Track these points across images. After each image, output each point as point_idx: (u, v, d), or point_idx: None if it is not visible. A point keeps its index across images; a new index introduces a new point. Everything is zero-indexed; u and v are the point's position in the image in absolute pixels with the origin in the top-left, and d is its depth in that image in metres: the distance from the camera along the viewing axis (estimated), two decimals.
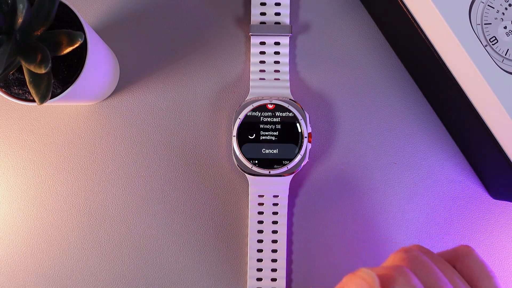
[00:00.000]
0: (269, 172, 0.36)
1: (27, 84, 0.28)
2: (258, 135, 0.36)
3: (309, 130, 0.36)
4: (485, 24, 0.31)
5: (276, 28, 0.38)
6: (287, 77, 0.38)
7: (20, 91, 0.31)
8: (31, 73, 0.28)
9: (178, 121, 0.39)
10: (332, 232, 0.39)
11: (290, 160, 0.36)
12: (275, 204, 0.38)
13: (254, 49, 0.38)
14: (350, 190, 0.39)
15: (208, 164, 0.39)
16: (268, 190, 0.37)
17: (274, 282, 0.38)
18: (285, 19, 0.38)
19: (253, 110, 0.36)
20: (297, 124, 0.36)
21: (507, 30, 0.31)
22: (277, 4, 0.38)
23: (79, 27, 0.30)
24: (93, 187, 0.39)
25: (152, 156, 0.39)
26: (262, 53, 0.38)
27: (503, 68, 0.31)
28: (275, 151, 0.36)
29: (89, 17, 0.39)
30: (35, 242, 0.38)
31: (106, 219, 0.39)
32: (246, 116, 0.36)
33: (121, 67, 0.39)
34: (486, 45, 0.31)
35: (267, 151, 0.36)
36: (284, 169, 0.36)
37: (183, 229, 0.39)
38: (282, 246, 0.38)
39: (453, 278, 0.24)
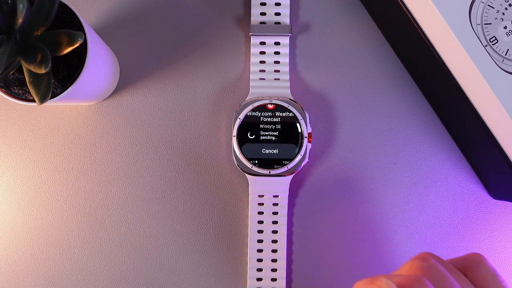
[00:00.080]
0: (269, 172, 0.36)
1: (27, 84, 0.28)
2: (258, 135, 0.36)
3: (309, 130, 0.36)
4: (485, 24, 0.31)
5: (276, 28, 0.38)
6: (287, 77, 0.38)
7: (20, 91, 0.31)
8: (31, 73, 0.28)
9: (178, 121, 0.39)
10: (332, 232, 0.39)
11: (290, 160, 0.36)
12: (275, 204, 0.38)
13: (254, 49, 0.38)
14: (350, 190, 0.39)
15: (208, 164, 0.39)
16: (268, 190, 0.37)
17: (274, 282, 0.38)
18: (285, 19, 0.38)
19: (253, 110, 0.36)
20: (297, 124, 0.36)
21: (507, 30, 0.31)
22: (277, 4, 0.38)
23: (79, 27, 0.30)
24: (93, 187, 0.39)
25: (152, 156, 0.39)
26: (262, 53, 0.38)
27: (503, 68, 0.31)
28: (275, 151, 0.36)
29: (89, 17, 0.39)
30: (35, 242, 0.38)
31: (106, 219, 0.39)
32: (246, 116, 0.36)
33: (121, 67, 0.39)
34: (486, 45, 0.31)
35: (267, 151, 0.36)
36: (284, 169, 0.36)
37: (183, 229, 0.39)
38: (282, 246, 0.38)
39: None
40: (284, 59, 0.38)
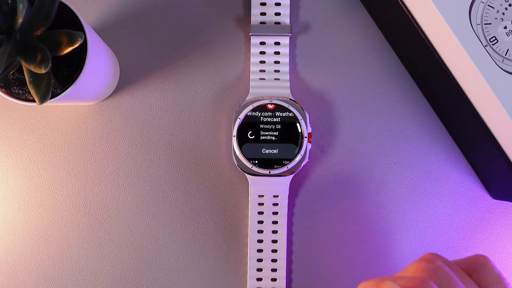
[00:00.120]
0: (269, 172, 0.36)
1: (27, 84, 0.28)
2: (258, 135, 0.36)
3: (309, 130, 0.36)
4: (485, 24, 0.31)
5: (276, 28, 0.38)
6: (287, 77, 0.38)
7: (20, 91, 0.31)
8: (31, 73, 0.28)
9: (178, 121, 0.39)
10: (332, 232, 0.39)
11: (290, 160, 0.36)
12: (275, 204, 0.38)
13: (254, 49, 0.38)
14: (350, 190, 0.39)
15: (208, 164, 0.39)
16: (268, 190, 0.37)
17: (274, 282, 0.38)
18: (285, 19, 0.38)
19: (253, 110, 0.36)
20: (297, 124, 0.36)
21: (507, 30, 0.31)
22: (277, 4, 0.38)
23: (79, 27, 0.30)
24: (93, 187, 0.39)
25: (152, 156, 0.39)
26: (262, 53, 0.38)
27: (503, 68, 0.31)
28: (275, 151, 0.36)
29: (89, 17, 0.39)
30: (35, 242, 0.38)
31: (106, 219, 0.39)
32: (246, 116, 0.36)
33: (121, 67, 0.39)
34: (486, 45, 0.31)
35: (267, 151, 0.36)
36: (284, 169, 0.36)
37: (183, 229, 0.39)
38: (282, 246, 0.38)
39: None
40: (284, 59, 0.38)
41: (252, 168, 0.36)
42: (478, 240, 0.39)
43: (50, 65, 0.26)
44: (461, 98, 0.33)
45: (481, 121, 0.33)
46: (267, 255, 0.38)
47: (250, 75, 0.38)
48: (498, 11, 0.31)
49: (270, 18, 0.38)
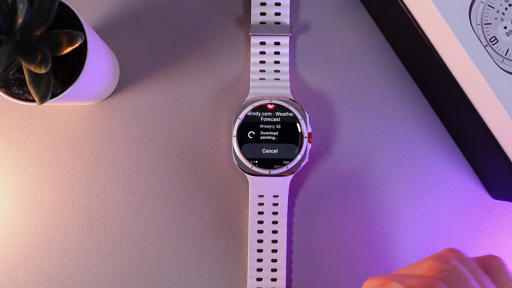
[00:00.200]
0: (269, 172, 0.36)
1: (27, 84, 0.28)
2: (258, 135, 0.36)
3: (309, 130, 0.36)
4: (485, 24, 0.31)
5: (276, 28, 0.38)
6: (287, 77, 0.38)
7: (20, 91, 0.31)
8: (31, 73, 0.28)
9: (178, 121, 0.39)
10: (332, 232, 0.39)
11: (290, 160, 0.36)
12: (275, 204, 0.38)
13: (254, 49, 0.38)
14: (350, 190, 0.39)
15: (208, 164, 0.39)
16: (268, 190, 0.37)
17: (274, 282, 0.38)
18: (285, 19, 0.38)
19: (253, 110, 0.36)
20: (297, 124, 0.36)
21: (507, 30, 0.31)
22: (277, 4, 0.38)
23: (79, 27, 0.30)
24: (93, 187, 0.39)
25: (152, 156, 0.39)
26: (262, 53, 0.38)
27: (503, 68, 0.31)
28: (275, 151, 0.36)
29: (89, 17, 0.39)
30: (35, 242, 0.38)
31: (106, 219, 0.39)
32: (246, 116, 0.36)
33: (121, 67, 0.39)
34: (486, 45, 0.31)
35: (267, 151, 0.36)
36: (284, 169, 0.36)
37: (183, 229, 0.39)
38: (282, 246, 0.38)
39: None
40: (284, 59, 0.38)
41: (252, 168, 0.36)
42: (478, 240, 0.39)
43: (50, 65, 0.26)
44: (461, 98, 0.33)
45: (481, 121, 0.33)
46: (267, 255, 0.38)
47: (250, 75, 0.38)
48: (498, 11, 0.31)
49: (270, 18, 0.38)
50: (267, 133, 0.36)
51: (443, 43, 0.33)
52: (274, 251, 0.38)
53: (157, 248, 0.39)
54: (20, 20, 0.26)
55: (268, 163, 0.36)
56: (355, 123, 0.39)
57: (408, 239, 0.39)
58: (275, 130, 0.36)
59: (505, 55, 0.31)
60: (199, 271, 0.39)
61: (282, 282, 0.38)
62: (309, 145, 0.36)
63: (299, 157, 0.36)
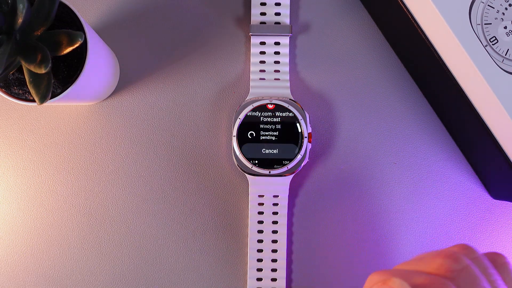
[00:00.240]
0: (269, 172, 0.36)
1: (27, 84, 0.28)
2: (258, 135, 0.36)
3: (309, 130, 0.36)
4: (485, 24, 0.31)
5: (276, 28, 0.38)
6: (287, 77, 0.38)
7: (20, 91, 0.31)
8: (31, 73, 0.28)
9: (178, 121, 0.39)
10: (332, 232, 0.39)
11: (290, 160, 0.36)
12: (275, 204, 0.38)
13: (254, 49, 0.38)
14: (350, 190, 0.39)
15: (208, 164, 0.39)
16: (268, 190, 0.37)
17: (274, 282, 0.38)
18: (285, 19, 0.38)
19: (253, 110, 0.36)
20: (297, 124, 0.36)
21: (507, 30, 0.31)
22: (277, 4, 0.38)
23: (79, 27, 0.30)
24: (93, 187, 0.39)
25: (152, 156, 0.39)
26: (262, 53, 0.38)
27: (503, 68, 0.31)
28: (275, 151, 0.36)
29: (89, 17, 0.39)
30: (35, 242, 0.38)
31: (106, 219, 0.39)
32: (246, 116, 0.36)
33: (121, 67, 0.39)
34: (486, 45, 0.31)
35: (267, 151, 0.36)
36: (284, 169, 0.36)
37: (183, 229, 0.39)
38: (282, 246, 0.38)
39: None
40: (284, 59, 0.38)
41: (252, 168, 0.36)
42: (478, 240, 0.39)
43: (50, 65, 0.26)
44: (461, 98, 0.33)
45: (481, 121, 0.33)
46: (267, 255, 0.38)
47: (250, 75, 0.38)
48: (498, 11, 0.31)
49: (270, 18, 0.38)
50: (267, 133, 0.36)
51: (443, 43, 0.33)
52: (274, 251, 0.38)
53: (157, 248, 0.39)
54: (20, 20, 0.26)
55: (268, 163, 0.36)
56: (355, 123, 0.39)
57: (408, 239, 0.39)
58: (275, 130, 0.36)
59: (505, 55, 0.31)
60: (199, 271, 0.39)
61: (282, 282, 0.38)
62: (309, 145, 0.36)
63: (299, 157, 0.36)
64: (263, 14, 0.38)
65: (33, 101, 0.30)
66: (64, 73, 0.31)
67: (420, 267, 0.23)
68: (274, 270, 0.38)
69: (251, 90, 0.38)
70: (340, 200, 0.39)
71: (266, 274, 0.38)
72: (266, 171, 0.36)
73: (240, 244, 0.39)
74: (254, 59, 0.38)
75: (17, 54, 0.27)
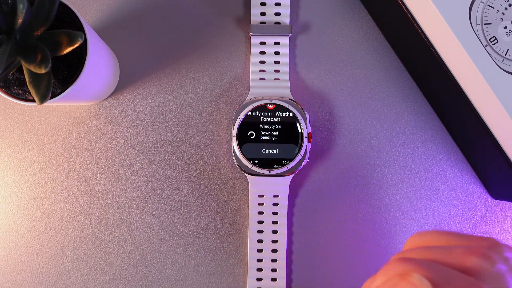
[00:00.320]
0: (269, 172, 0.36)
1: (27, 84, 0.28)
2: (258, 135, 0.36)
3: (309, 130, 0.36)
4: (485, 24, 0.31)
5: (276, 28, 0.38)
6: (287, 77, 0.38)
7: (20, 91, 0.31)
8: (31, 73, 0.28)
9: (178, 121, 0.39)
10: (332, 232, 0.39)
11: (290, 160, 0.36)
12: (275, 204, 0.38)
13: (254, 49, 0.38)
14: (350, 190, 0.39)
15: (208, 164, 0.39)
16: (268, 190, 0.37)
17: (274, 282, 0.38)
18: (285, 19, 0.38)
19: (253, 110, 0.36)
20: (297, 124, 0.36)
21: (507, 30, 0.31)
22: (277, 4, 0.38)
23: (79, 27, 0.30)
24: (93, 187, 0.39)
25: (152, 156, 0.39)
26: (262, 53, 0.38)
27: (503, 68, 0.31)
28: (275, 151, 0.36)
29: (89, 17, 0.39)
30: (35, 242, 0.38)
31: (106, 219, 0.39)
32: (246, 116, 0.36)
33: (121, 67, 0.39)
34: (486, 45, 0.31)
35: (267, 151, 0.36)
36: (284, 169, 0.36)
37: (183, 229, 0.39)
38: (282, 246, 0.38)
39: None
40: (284, 59, 0.38)
41: (252, 168, 0.36)
42: None
43: (50, 65, 0.26)
44: (461, 98, 0.33)
45: (481, 121, 0.33)
46: (267, 255, 0.38)
47: (250, 75, 0.38)
48: (498, 11, 0.31)
49: (270, 18, 0.38)
50: (267, 133, 0.36)
51: (443, 43, 0.33)
52: (274, 251, 0.38)
53: (157, 248, 0.39)
54: (20, 20, 0.26)
55: (268, 163, 0.36)
56: (355, 123, 0.39)
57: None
58: (275, 130, 0.36)
59: (505, 55, 0.31)
60: (199, 271, 0.39)
61: (282, 282, 0.38)
62: (309, 145, 0.36)
63: (299, 157, 0.36)
64: (263, 14, 0.38)
65: (33, 101, 0.30)
66: (64, 73, 0.31)
67: (448, 259, 0.21)
68: (274, 270, 0.38)
69: (251, 90, 0.38)
70: (340, 200, 0.39)
71: (266, 274, 0.38)
72: (266, 171, 0.36)
73: (240, 244, 0.39)
74: (254, 59, 0.38)
75: (17, 54, 0.27)
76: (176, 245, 0.39)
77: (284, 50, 0.38)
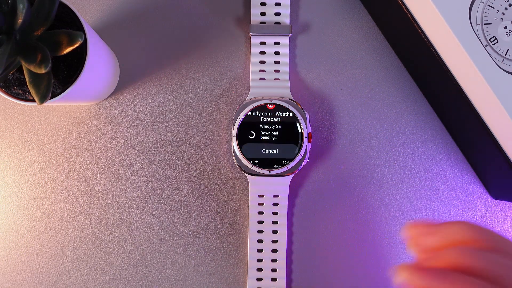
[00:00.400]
0: (269, 172, 0.36)
1: (27, 84, 0.28)
2: (258, 135, 0.36)
3: (309, 130, 0.36)
4: (485, 24, 0.31)
5: (276, 28, 0.38)
6: (287, 77, 0.38)
7: (20, 91, 0.31)
8: (31, 73, 0.28)
9: (178, 121, 0.39)
10: (332, 232, 0.39)
11: (290, 160, 0.36)
12: (275, 204, 0.38)
13: (254, 49, 0.38)
14: (350, 190, 0.39)
15: (208, 164, 0.39)
16: (268, 190, 0.37)
17: (274, 282, 0.38)
18: (285, 19, 0.38)
19: (253, 110, 0.36)
20: (297, 124, 0.36)
21: (507, 30, 0.31)
22: (277, 4, 0.38)
23: (79, 27, 0.30)
24: (93, 187, 0.39)
25: (152, 156, 0.39)
26: (262, 53, 0.38)
27: (503, 68, 0.31)
28: (275, 151, 0.36)
29: (89, 17, 0.39)
30: (35, 242, 0.38)
31: (106, 219, 0.39)
32: (246, 116, 0.36)
33: (121, 67, 0.39)
34: (486, 45, 0.31)
35: (267, 151, 0.36)
36: (284, 169, 0.36)
37: (183, 229, 0.39)
38: (282, 246, 0.38)
39: None
40: (284, 59, 0.38)
41: (252, 168, 0.36)
42: None
43: (50, 65, 0.26)
44: (461, 98, 0.33)
45: (481, 121, 0.33)
46: (267, 255, 0.38)
47: (250, 75, 0.38)
48: (498, 11, 0.31)
49: (270, 18, 0.38)
50: (267, 133, 0.36)
51: (443, 43, 0.33)
52: (274, 251, 0.38)
53: (157, 248, 0.39)
54: (20, 20, 0.26)
55: (268, 163, 0.36)
56: (355, 123, 0.39)
57: None
58: (275, 130, 0.36)
59: (505, 55, 0.31)
60: (199, 271, 0.39)
61: (282, 282, 0.38)
62: (309, 145, 0.36)
63: (299, 157, 0.36)
64: (263, 14, 0.38)
65: (33, 101, 0.30)
66: (64, 73, 0.31)
67: (460, 261, 0.22)
68: (274, 270, 0.38)
69: (251, 90, 0.38)
70: (340, 200, 0.39)
71: (266, 274, 0.38)
72: (266, 171, 0.36)
73: (240, 244, 0.39)
74: (254, 59, 0.38)
75: (17, 54, 0.27)
76: (176, 245, 0.39)
77: (284, 50, 0.38)
